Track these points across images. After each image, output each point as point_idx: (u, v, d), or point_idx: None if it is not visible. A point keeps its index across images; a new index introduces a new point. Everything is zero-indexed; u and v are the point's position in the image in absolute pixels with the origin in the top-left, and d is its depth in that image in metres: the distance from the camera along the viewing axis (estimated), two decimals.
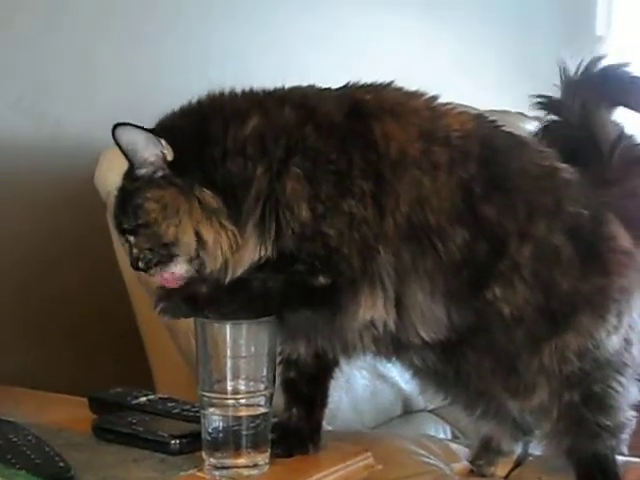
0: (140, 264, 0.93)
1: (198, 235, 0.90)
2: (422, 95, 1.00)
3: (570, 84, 1.15)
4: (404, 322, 0.94)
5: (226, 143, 0.92)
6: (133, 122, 0.91)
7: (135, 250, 0.93)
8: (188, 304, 0.90)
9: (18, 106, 1.35)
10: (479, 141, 0.97)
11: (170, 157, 0.91)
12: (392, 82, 0.99)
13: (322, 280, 0.90)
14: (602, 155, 1.09)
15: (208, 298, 0.90)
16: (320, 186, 0.90)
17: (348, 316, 0.92)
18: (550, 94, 1.18)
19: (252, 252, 0.91)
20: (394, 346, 0.97)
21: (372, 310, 0.92)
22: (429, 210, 0.93)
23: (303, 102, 0.95)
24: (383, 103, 0.96)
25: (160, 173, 0.91)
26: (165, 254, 0.91)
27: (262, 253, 0.90)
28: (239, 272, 0.91)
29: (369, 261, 0.91)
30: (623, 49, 2.70)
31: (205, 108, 0.95)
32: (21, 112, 1.35)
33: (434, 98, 1.00)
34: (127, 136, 0.91)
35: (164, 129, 0.93)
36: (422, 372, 1.04)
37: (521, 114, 1.87)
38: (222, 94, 0.96)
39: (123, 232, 0.94)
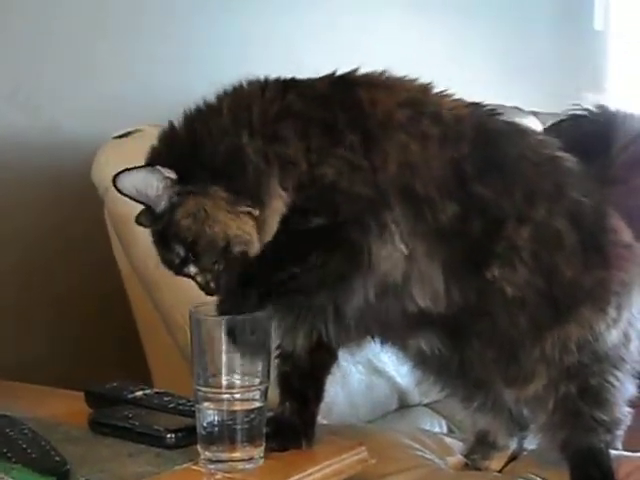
0: (212, 285, 0.93)
1: (239, 228, 0.91)
2: (415, 79, 1.01)
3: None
4: (408, 278, 0.94)
5: (206, 130, 0.93)
6: (129, 166, 0.92)
7: (200, 277, 0.93)
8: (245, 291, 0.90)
9: (13, 100, 1.35)
10: (473, 126, 0.98)
11: (174, 176, 0.92)
12: (385, 71, 1.00)
13: (318, 221, 0.91)
14: (611, 153, 1.10)
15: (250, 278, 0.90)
16: (310, 139, 0.92)
17: (362, 260, 0.91)
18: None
19: (279, 210, 0.91)
20: (401, 320, 0.97)
21: (385, 259, 0.92)
22: (417, 177, 0.94)
23: (282, 81, 0.97)
24: (371, 79, 0.98)
25: (175, 198, 0.92)
26: (226, 262, 0.92)
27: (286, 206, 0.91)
28: (267, 238, 0.91)
29: (368, 200, 0.92)
30: (621, 44, 2.70)
31: (190, 118, 0.96)
32: (16, 106, 1.35)
33: (428, 84, 1.01)
34: (128, 183, 0.92)
35: (156, 157, 0.95)
36: (425, 361, 1.05)
37: (517, 108, 1.87)
38: (204, 102, 0.97)
39: (181, 269, 0.94)
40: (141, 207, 0.97)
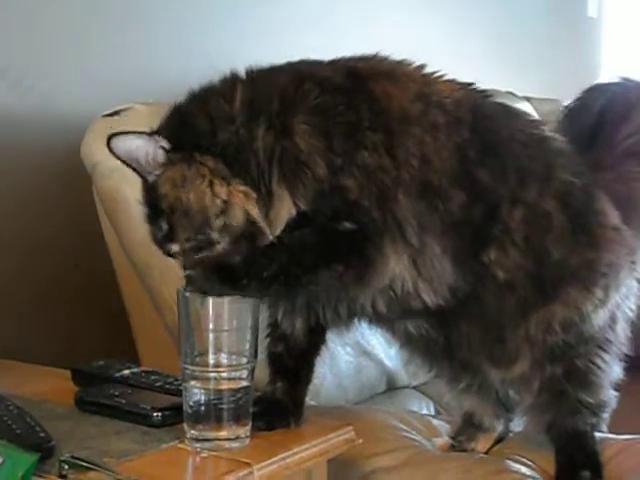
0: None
1: (215, 195, 0.89)
2: (410, 63, 1.01)
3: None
4: (420, 278, 0.94)
5: (213, 116, 0.92)
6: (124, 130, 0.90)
7: (182, 258, 0.91)
8: (223, 275, 0.88)
9: (4, 79, 1.33)
10: (470, 109, 0.98)
11: (167, 146, 0.91)
12: (377, 54, 1.00)
13: (347, 225, 0.90)
14: (609, 143, 1.11)
15: (245, 265, 0.89)
16: (333, 139, 0.90)
17: (376, 272, 0.92)
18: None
19: (288, 209, 0.90)
20: (398, 312, 0.97)
21: (398, 264, 0.92)
22: (432, 169, 0.94)
23: (294, 69, 0.96)
24: (376, 69, 0.98)
25: (163, 167, 0.91)
26: (203, 239, 0.90)
27: (300, 206, 0.90)
28: (278, 231, 0.90)
29: (389, 212, 0.91)
30: (614, 31, 2.70)
31: (189, 100, 0.95)
32: (7, 84, 1.34)
33: (422, 66, 1.01)
34: (122, 144, 0.90)
35: (158, 129, 0.93)
36: (412, 342, 1.05)
37: (510, 93, 1.87)
38: (208, 83, 0.96)
39: (163, 245, 0.92)
40: (130, 183, 0.96)
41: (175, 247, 0.92)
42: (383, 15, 1.91)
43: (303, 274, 0.90)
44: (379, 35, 1.79)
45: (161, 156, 0.91)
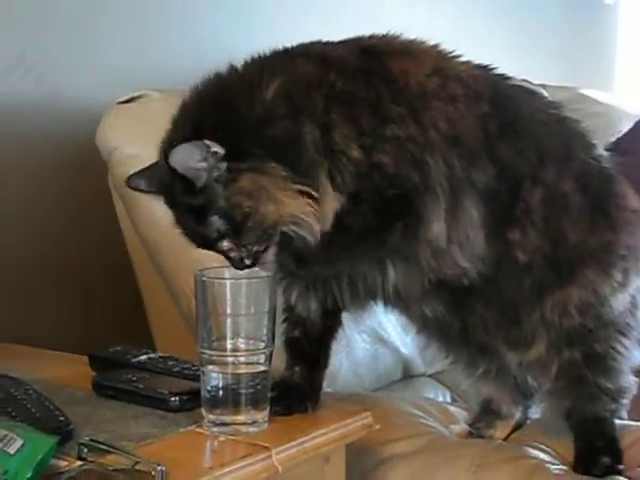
0: (247, 262, 0.90)
1: (290, 205, 0.88)
2: (424, 41, 1.01)
3: None
4: (454, 241, 0.94)
5: (258, 113, 0.90)
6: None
7: (235, 253, 0.90)
8: (297, 262, 0.90)
9: (18, 67, 1.34)
10: (489, 85, 0.98)
11: (222, 151, 0.88)
12: (388, 33, 1.00)
13: (392, 192, 0.91)
14: (632, 129, 1.10)
15: (315, 252, 0.90)
16: (360, 122, 0.91)
17: (426, 225, 0.92)
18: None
19: (332, 202, 0.90)
20: (421, 289, 0.97)
21: (437, 223, 0.93)
22: (461, 134, 0.94)
23: (314, 53, 0.95)
24: (391, 45, 0.98)
25: (217, 172, 0.87)
26: (266, 239, 0.90)
27: (342, 200, 0.90)
28: (328, 225, 0.90)
29: (425, 174, 0.92)
30: (630, 18, 2.68)
31: (222, 89, 0.93)
32: (21, 72, 1.34)
33: (436, 45, 1.01)
34: (181, 155, 0.87)
35: (199, 128, 0.89)
36: (428, 326, 1.05)
37: (526, 81, 1.86)
38: (229, 70, 0.94)
39: (215, 243, 0.91)
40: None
41: (227, 244, 0.90)
42: (393, 7, 1.90)
43: (372, 245, 0.92)
44: (389, 24, 1.78)
45: (215, 161, 0.87)
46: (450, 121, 0.94)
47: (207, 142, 0.87)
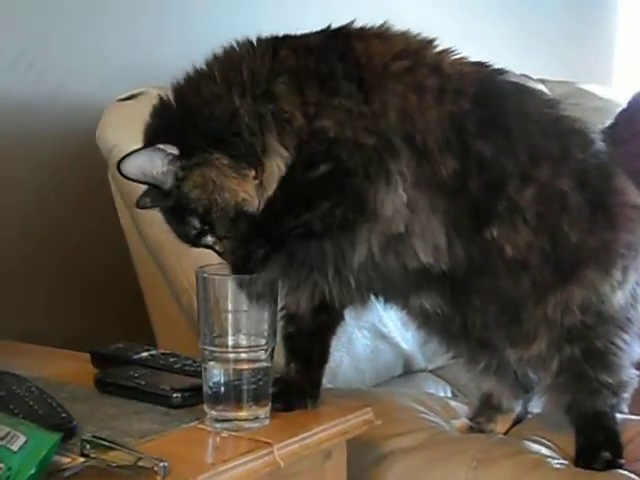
0: (241, 252, 0.92)
1: (243, 189, 0.90)
2: (418, 34, 0.99)
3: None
4: (410, 229, 0.93)
5: (199, 98, 0.92)
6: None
7: (219, 246, 0.93)
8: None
9: (18, 65, 1.34)
10: (476, 83, 0.97)
11: (176, 151, 0.90)
12: (385, 23, 0.99)
13: (322, 168, 0.90)
14: (628, 117, 1.10)
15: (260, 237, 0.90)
16: (305, 93, 0.91)
17: (367, 207, 0.91)
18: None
19: (277, 162, 0.91)
20: (405, 285, 0.97)
21: (388, 204, 0.91)
22: (416, 128, 0.92)
23: (273, 38, 0.95)
24: (369, 30, 0.97)
25: (181, 173, 0.91)
26: (236, 227, 0.91)
27: (289, 154, 0.90)
28: (271, 190, 0.90)
29: (369, 150, 0.90)
30: (630, 13, 2.67)
31: (179, 88, 0.95)
32: (22, 70, 1.34)
33: (432, 39, 0.99)
34: (133, 167, 0.90)
35: (153, 135, 0.93)
36: (429, 321, 1.04)
37: (525, 76, 1.86)
38: (192, 68, 0.95)
39: (198, 240, 0.93)
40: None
41: (211, 238, 0.93)
42: (394, 2, 1.89)
43: (300, 226, 0.90)
44: (391, 20, 1.79)
45: (173, 162, 0.90)
46: (405, 114, 0.92)
47: (161, 146, 0.90)
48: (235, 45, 0.95)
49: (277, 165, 0.91)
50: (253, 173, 0.91)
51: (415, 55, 0.96)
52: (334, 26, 0.98)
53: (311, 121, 0.90)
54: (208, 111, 0.91)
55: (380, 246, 0.93)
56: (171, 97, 0.95)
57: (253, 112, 0.91)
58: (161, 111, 0.95)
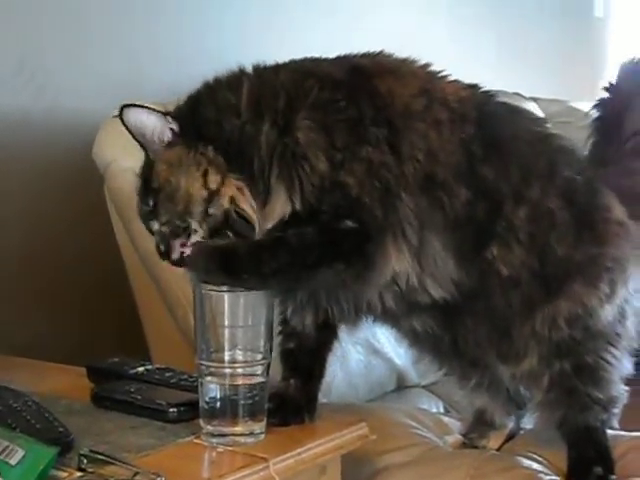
0: (161, 247, 0.93)
1: (205, 185, 0.91)
2: (415, 61, 1.02)
3: (627, 68, 1.17)
4: (424, 274, 0.95)
5: (220, 107, 0.94)
6: (138, 102, 0.94)
7: (158, 237, 0.94)
8: (224, 265, 0.88)
9: (17, 79, 1.34)
10: (475, 106, 0.99)
11: (176, 128, 0.94)
12: (382, 51, 1.01)
13: (349, 223, 0.90)
14: (616, 138, 1.12)
15: (247, 259, 0.89)
16: (334, 134, 0.91)
17: (376, 271, 0.92)
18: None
19: (283, 206, 0.91)
20: (403, 307, 0.98)
21: (399, 262, 0.93)
22: (438, 163, 0.95)
23: (298, 66, 0.97)
24: (381, 66, 0.99)
25: (164, 146, 0.94)
26: (181, 226, 0.92)
27: (295, 206, 0.91)
28: (268, 225, 0.91)
29: (391, 210, 0.92)
30: (621, 31, 2.70)
31: (201, 89, 0.98)
32: (20, 85, 1.35)
33: (427, 65, 1.02)
34: (133, 116, 0.93)
35: (172, 111, 0.97)
36: (419, 340, 1.06)
37: (517, 94, 1.88)
38: (219, 77, 0.98)
39: (147, 220, 0.95)
40: None
41: (156, 225, 0.94)
42: (386, 11, 1.91)
43: (303, 271, 0.91)
44: (382, 32, 1.81)
45: (168, 136, 0.94)
46: (430, 152, 0.94)
47: (168, 118, 0.94)
48: (261, 65, 0.97)
49: (282, 200, 0.91)
50: (245, 186, 0.91)
51: (428, 92, 0.97)
52: (341, 53, 1.00)
53: (335, 171, 0.90)
54: (226, 122, 0.93)
55: (391, 292, 0.95)
56: (206, 92, 0.97)
57: (272, 141, 0.92)
58: (189, 97, 0.97)
